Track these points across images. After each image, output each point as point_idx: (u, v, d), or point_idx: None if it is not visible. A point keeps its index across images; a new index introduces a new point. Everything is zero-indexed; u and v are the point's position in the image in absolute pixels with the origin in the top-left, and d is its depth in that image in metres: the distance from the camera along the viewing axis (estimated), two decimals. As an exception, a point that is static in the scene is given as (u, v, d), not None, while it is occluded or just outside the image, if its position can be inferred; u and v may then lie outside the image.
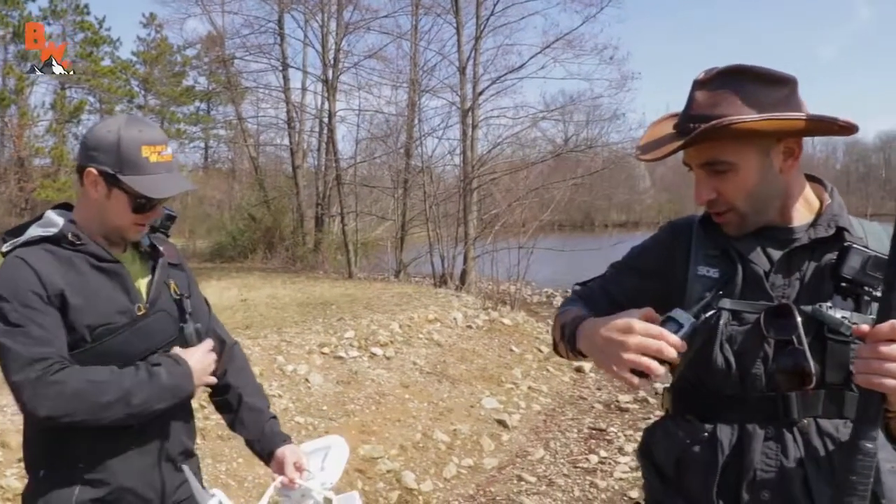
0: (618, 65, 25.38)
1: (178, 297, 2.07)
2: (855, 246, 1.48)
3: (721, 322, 1.54)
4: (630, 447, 6.65)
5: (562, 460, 6.53)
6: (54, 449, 1.90)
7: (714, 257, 1.63)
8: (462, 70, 17.50)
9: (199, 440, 3.43)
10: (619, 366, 1.37)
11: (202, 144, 41.92)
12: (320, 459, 2.28)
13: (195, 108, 40.05)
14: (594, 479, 6.01)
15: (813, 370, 1.41)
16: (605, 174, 20.09)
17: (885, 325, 1.28)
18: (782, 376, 1.45)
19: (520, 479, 6.01)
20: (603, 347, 1.42)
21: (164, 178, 1.94)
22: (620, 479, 6.00)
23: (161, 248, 2.11)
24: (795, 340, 1.43)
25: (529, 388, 8.52)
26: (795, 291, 1.54)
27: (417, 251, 18.87)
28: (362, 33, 19.32)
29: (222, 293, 12.32)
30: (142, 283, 2.03)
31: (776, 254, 1.57)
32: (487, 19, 17.69)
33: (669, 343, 1.36)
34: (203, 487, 2.07)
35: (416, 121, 18.48)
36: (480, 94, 17.75)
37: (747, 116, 1.47)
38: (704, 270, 1.62)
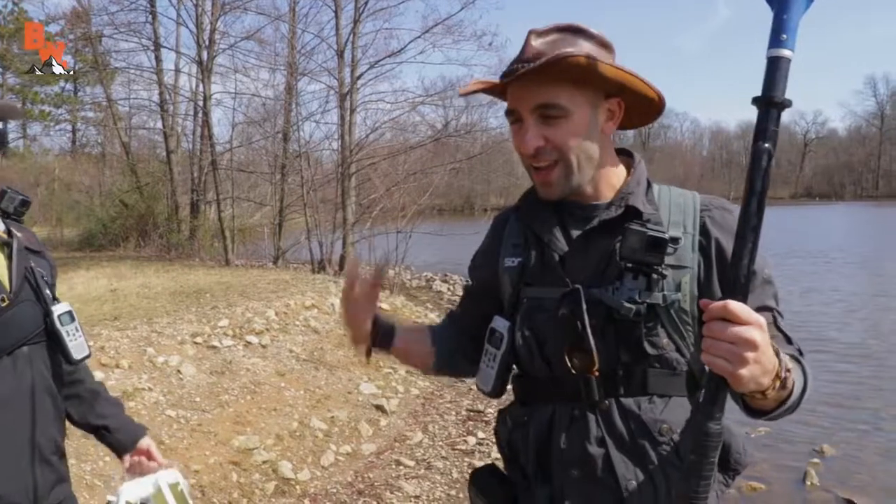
0: (497, 51, 25.71)
1: (32, 282, 1.91)
2: (633, 227, 1.43)
3: (520, 312, 1.60)
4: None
5: (440, 443, 6.61)
6: None
7: (517, 246, 1.65)
8: (340, 54, 17.25)
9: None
10: None
11: (69, 127, 39.80)
12: None
13: (60, 88, 38.07)
14: (472, 461, 6.11)
15: (594, 351, 1.44)
16: (483, 159, 20.36)
17: (716, 304, 1.19)
18: (575, 359, 1.47)
19: (398, 463, 6.06)
20: None
21: None
22: (497, 458, 6.09)
23: (20, 235, 1.96)
24: (579, 324, 1.44)
25: (408, 371, 8.54)
26: (589, 274, 1.52)
27: (296, 237, 18.61)
28: (239, 14, 18.77)
29: (91, 283, 11.82)
30: (2, 272, 1.88)
31: (577, 233, 1.58)
32: (367, 3, 17.44)
33: None
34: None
35: (293, 105, 18.19)
36: (359, 78, 17.56)
37: (596, 56, 1.45)
38: (510, 262, 1.65)
